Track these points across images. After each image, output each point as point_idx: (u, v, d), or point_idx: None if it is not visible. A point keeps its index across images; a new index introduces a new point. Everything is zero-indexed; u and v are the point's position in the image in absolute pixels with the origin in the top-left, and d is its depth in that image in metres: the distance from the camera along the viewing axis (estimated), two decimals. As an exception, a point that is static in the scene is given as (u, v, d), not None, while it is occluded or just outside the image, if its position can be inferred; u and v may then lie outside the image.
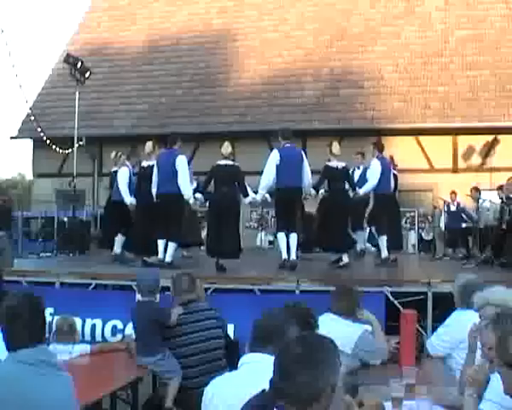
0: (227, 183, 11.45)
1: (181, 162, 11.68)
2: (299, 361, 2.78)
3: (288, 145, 11.79)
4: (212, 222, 11.67)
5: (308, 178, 11.74)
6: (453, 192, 17.81)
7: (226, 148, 11.66)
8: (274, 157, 11.53)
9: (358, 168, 14.49)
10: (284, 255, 11.49)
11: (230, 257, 11.58)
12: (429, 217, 21.58)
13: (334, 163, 12.29)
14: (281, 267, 11.37)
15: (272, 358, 2.89)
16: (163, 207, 11.74)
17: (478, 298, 5.06)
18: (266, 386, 2.88)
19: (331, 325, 5.64)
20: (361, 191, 12.64)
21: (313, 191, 12.22)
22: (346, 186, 12.56)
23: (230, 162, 11.62)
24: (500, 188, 14.81)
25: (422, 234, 22.25)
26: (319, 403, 2.73)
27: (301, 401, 2.72)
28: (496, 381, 3.92)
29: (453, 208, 17.48)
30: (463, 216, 16.42)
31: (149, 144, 12.51)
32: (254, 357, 3.95)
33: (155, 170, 11.82)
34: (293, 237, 11.63)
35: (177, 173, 11.54)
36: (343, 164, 12.37)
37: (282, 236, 11.65)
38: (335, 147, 12.35)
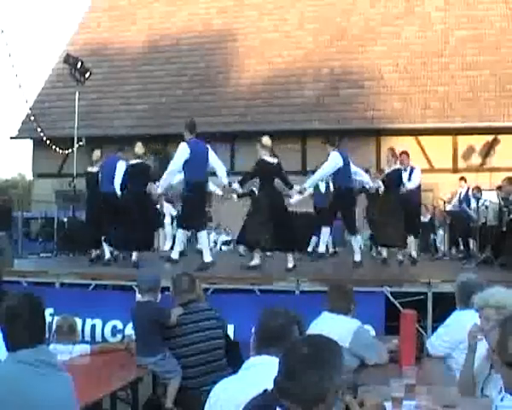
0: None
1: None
2: (306, 361, 2.78)
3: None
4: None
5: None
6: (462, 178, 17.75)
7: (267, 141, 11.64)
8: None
9: (405, 170, 14.18)
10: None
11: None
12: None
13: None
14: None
15: (277, 360, 2.90)
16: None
17: (478, 299, 5.06)
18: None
19: (328, 323, 5.66)
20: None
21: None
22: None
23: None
24: (499, 188, 14.80)
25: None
26: (324, 403, 2.73)
27: (307, 401, 2.73)
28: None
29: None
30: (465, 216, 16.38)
31: (140, 144, 12.72)
32: (260, 360, 3.93)
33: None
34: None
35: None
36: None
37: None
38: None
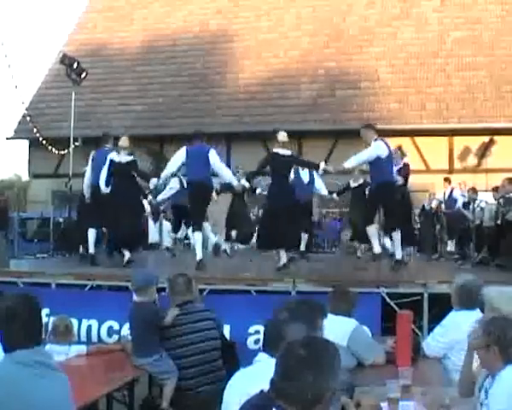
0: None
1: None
2: (303, 362, 2.79)
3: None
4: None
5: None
6: (447, 179, 17.85)
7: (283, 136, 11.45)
8: None
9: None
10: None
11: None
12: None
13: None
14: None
15: None
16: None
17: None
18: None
19: (327, 322, 5.66)
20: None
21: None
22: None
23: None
24: (495, 189, 14.82)
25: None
26: (321, 405, 2.74)
27: (303, 402, 2.74)
28: (497, 387, 3.94)
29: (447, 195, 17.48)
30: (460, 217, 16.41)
31: (125, 138, 12.69)
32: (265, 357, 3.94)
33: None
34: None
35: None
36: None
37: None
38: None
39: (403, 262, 11.73)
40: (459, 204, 16.68)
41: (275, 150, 11.39)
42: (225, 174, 11.88)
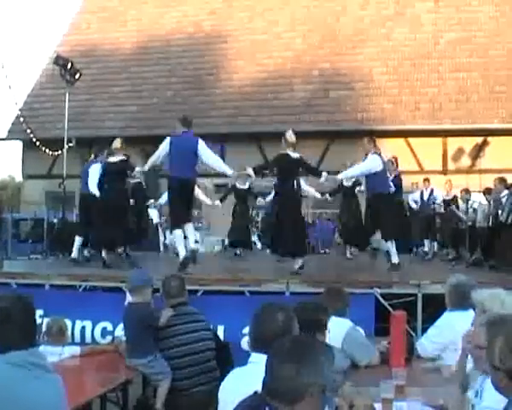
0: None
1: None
2: (284, 356, 2.81)
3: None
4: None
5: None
6: (426, 179, 17.93)
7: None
8: None
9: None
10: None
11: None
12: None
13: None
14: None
15: None
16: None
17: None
18: None
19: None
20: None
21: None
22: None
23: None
24: (487, 191, 14.87)
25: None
26: (303, 402, 2.72)
27: (284, 397, 2.73)
28: (490, 387, 3.95)
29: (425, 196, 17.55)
30: (455, 218, 16.44)
31: (119, 140, 12.81)
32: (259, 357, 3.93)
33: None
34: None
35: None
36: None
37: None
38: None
39: (399, 266, 11.81)
40: (439, 202, 16.81)
41: (284, 152, 11.34)
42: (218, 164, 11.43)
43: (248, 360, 4.02)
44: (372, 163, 11.67)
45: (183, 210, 11.15)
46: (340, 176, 11.99)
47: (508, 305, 4.96)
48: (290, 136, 11.40)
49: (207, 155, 11.07)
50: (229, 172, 11.25)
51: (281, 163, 11.34)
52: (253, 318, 4.07)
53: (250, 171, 11.60)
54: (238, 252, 16.85)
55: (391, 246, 11.91)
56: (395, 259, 11.86)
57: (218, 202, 16.25)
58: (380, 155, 12.01)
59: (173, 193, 11.15)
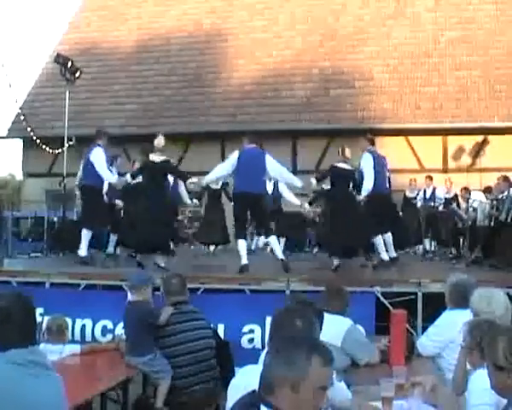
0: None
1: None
2: (270, 354, 2.84)
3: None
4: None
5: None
6: (428, 177, 17.96)
7: None
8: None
9: None
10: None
11: None
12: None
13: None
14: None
15: None
16: None
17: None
18: None
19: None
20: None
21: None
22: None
23: None
24: (487, 190, 14.86)
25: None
26: (274, 396, 2.73)
27: (260, 388, 2.78)
28: (475, 383, 4.00)
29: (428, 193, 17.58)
30: (455, 217, 16.42)
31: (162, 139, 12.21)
32: None
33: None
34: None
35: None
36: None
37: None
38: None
39: (388, 262, 11.84)
40: (440, 202, 16.82)
41: (336, 164, 11.89)
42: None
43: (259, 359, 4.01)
44: (368, 162, 11.78)
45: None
46: (361, 197, 11.84)
47: (494, 304, 5.01)
48: (344, 151, 11.91)
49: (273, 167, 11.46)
50: (299, 184, 11.69)
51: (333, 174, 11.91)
52: (272, 322, 4.06)
53: (314, 182, 12.12)
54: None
55: (379, 243, 11.95)
56: (384, 256, 11.93)
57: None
58: (372, 152, 12.06)
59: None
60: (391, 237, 12.21)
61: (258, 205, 11.32)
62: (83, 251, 12.67)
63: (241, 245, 11.30)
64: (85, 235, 12.64)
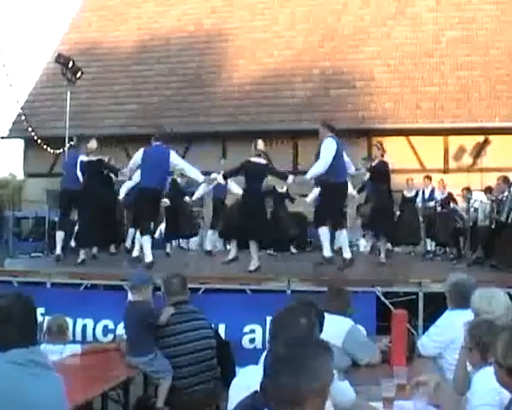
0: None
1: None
2: (282, 362, 2.79)
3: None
4: None
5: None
6: (427, 177, 17.95)
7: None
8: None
9: None
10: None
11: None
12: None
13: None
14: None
15: None
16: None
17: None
18: None
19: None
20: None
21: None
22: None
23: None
24: (488, 190, 14.85)
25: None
26: (301, 407, 2.71)
27: (282, 402, 2.72)
28: (478, 383, 4.00)
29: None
30: (456, 217, 16.41)
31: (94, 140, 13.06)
32: None
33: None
34: None
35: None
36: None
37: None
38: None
39: (351, 261, 11.24)
40: (437, 201, 16.83)
41: (249, 158, 11.54)
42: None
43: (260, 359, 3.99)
44: (330, 147, 10.91)
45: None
46: (308, 176, 11.20)
47: (495, 304, 5.02)
48: (259, 144, 11.71)
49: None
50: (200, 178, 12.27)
51: (244, 169, 11.71)
52: (273, 322, 4.04)
53: (220, 178, 12.09)
54: None
55: (343, 237, 11.39)
56: (347, 253, 11.23)
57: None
58: (334, 137, 11.20)
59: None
60: (346, 238, 11.52)
61: (156, 201, 12.09)
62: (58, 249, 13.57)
63: (145, 241, 11.73)
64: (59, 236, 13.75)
